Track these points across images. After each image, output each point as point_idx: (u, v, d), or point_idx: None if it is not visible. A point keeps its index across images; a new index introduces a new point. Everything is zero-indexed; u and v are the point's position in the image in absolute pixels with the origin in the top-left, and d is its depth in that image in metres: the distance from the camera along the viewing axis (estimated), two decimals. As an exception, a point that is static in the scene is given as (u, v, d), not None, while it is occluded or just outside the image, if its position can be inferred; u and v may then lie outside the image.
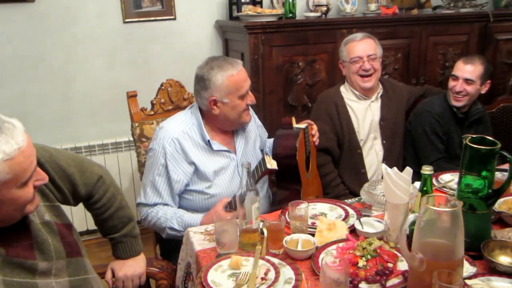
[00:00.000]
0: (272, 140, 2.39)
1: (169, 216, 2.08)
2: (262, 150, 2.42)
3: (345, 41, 2.67)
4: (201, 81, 2.10)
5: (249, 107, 2.20)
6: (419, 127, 2.70)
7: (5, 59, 3.09)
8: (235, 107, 2.11)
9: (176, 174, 2.08)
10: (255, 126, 2.40)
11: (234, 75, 2.09)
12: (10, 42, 3.08)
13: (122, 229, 1.78)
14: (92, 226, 3.21)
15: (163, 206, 2.11)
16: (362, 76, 2.58)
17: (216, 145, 2.15)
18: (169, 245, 2.24)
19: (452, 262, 1.30)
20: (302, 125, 2.24)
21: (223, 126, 2.19)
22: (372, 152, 2.65)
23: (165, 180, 2.10)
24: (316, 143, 2.39)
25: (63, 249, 1.50)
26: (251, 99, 2.15)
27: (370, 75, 2.57)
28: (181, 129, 2.13)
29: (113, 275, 1.82)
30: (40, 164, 1.50)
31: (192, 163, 2.10)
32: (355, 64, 2.57)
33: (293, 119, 2.24)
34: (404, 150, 2.75)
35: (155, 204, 2.11)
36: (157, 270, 1.89)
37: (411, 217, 1.35)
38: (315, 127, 2.37)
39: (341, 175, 2.61)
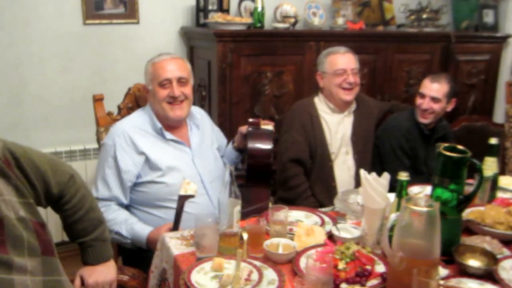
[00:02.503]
0: (229, 147, 2.61)
1: (119, 220, 2.19)
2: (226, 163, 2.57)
3: (326, 52, 2.84)
4: None
5: (199, 109, 2.51)
6: (386, 142, 2.90)
7: None
8: (156, 95, 2.32)
9: (125, 164, 2.23)
10: (210, 129, 2.59)
11: (157, 62, 2.35)
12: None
13: (93, 232, 1.83)
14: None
15: (116, 207, 2.23)
16: (344, 89, 2.75)
17: (168, 135, 2.35)
18: (132, 254, 2.32)
19: (429, 261, 1.47)
20: (270, 127, 2.39)
21: (160, 118, 2.36)
22: (345, 167, 2.83)
23: (115, 172, 2.24)
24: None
25: (39, 247, 1.55)
26: (172, 90, 2.30)
27: (352, 89, 2.76)
28: (131, 123, 2.33)
29: (82, 283, 1.85)
30: (15, 159, 1.58)
31: (142, 153, 2.26)
32: (339, 76, 2.74)
33: (261, 120, 2.41)
34: (372, 165, 2.93)
35: (105, 199, 2.22)
36: (128, 277, 1.96)
37: (393, 216, 1.53)
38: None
39: (312, 187, 2.76)
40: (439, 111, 2.86)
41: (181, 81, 2.33)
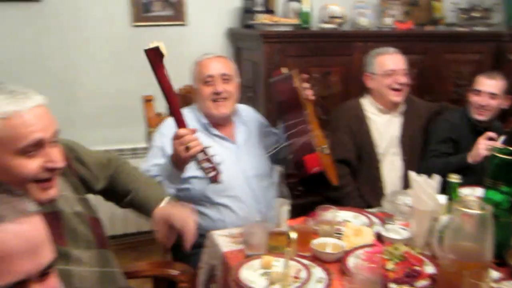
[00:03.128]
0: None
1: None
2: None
3: (374, 53, 2.85)
4: None
5: (248, 107, 2.57)
6: (434, 134, 2.90)
7: (9, 60, 3.23)
8: (200, 92, 2.39)
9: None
10: (258, 128, 2.59)
11: (201, 61, 2.42)
12: (14, 43, 3.24)
13: (141, 176, 1.96)
14: (115, 231, 3.43)
15: None
16: (394, 89, 2.76)
17: (214, 130, 2.41)
18: (182, 251, 2.38)
19: (481, 263, 1.47)
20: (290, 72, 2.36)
21: (206, 116, 2.41)
22: (393, 167, 2.82)
23: (162, 159, 2.25)
24: (311, 98, 2.48)
25: (94, 240, 1.64)
26: (215, 87, 2.35)
27: (401, 90, 2.77)
28: None
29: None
30: (75, 154, 1.69)
31: None
32: (388, 77, 2.76)
33: (282, 69, 2.38)
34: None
35: None
36: (178, 272, 2.01)
37: (444, 218, 1.53)
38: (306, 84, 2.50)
39: (359, 188, 2.77)
40: (496, 107, 2.84)
41: (224, 78, 2.37)
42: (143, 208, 1.87)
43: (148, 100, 2.61)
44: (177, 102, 2.05)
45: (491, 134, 2.55)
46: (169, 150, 2.23)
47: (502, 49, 3.82)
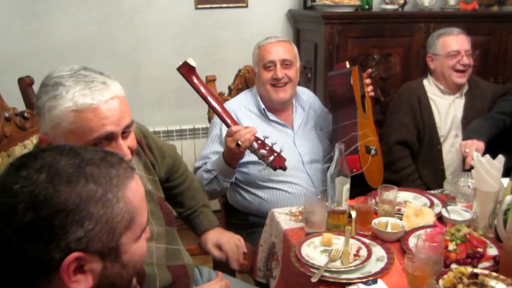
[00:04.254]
0: None
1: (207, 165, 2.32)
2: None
3: (437, 33, 2.81)
4: None
5: (308, 91, 2.61)
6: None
7: (75, 42, 3.36)
8: (260, 77, 2.42)
9: None
10: (317, 111, 2.63)
11: (263, 45, 2.44)
12: (82, 25, 3.35)
13: (202, 199, 2.04)
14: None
15: None
16: (457, 71, 2.73)
17: (271, 116, 2.44)
18: (240, 228, 2.44)
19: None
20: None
21: (263, 99, 2.45)
22: (453, 150, 2.78)
23: (218, 147, 2.35)
24: (371, 94, 2.55)
25: (163, 217, 1.72)
26: (276, 73, 2.37)
27: (465, 71, 2.73)
28: (238, 103, 2.46)
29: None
30: (146, 138, 1.78)
31: None
32: (452, 58, 2.72)
33: (347, 63, 2.43)
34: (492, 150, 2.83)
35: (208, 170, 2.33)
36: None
37: (508, 198, 1.52)
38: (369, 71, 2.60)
39: (418, 170, 2.75)
40: None
41: (285, 64, 2.40)
42: (195, 228, 2.05)
43: (211, 80, 2.66)
44: (219, 106, 2.12)
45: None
46: None
47: None
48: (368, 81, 2.55)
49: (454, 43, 2.73)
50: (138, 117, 1.81)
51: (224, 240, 2.00)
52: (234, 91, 2.71)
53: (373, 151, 2.29)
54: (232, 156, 2.13)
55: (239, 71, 2.74)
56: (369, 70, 2.62)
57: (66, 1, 3.30)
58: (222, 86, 2.74)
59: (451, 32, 2.77)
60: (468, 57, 2.72)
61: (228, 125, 2.08)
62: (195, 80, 2.14)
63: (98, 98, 1.34)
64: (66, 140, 1.34)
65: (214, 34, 3.59)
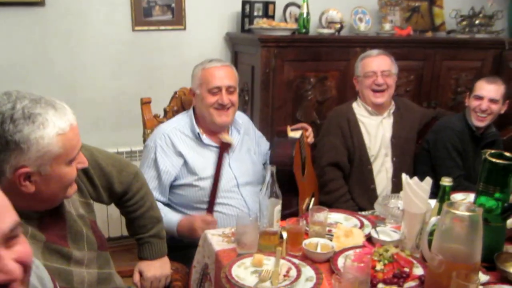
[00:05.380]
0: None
1: None
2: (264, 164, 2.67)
3: (361, 56, 2.94)
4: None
5: (243, 115, 2.64)
6: (439, 144, 2.92)
7: (14, 63, 3.29)
8: (203, 100, 2.42)
9: (164, 165, 2.38)
10: (251, 135, 2.69)
11: (207, 68, 2.44)
12: (17, 46, 3.29)
13: (151, 229, 2.00)
14: (112, 234, 3.56)
15: None
16: (374, 91, 2.83)
17: (206, 140, 2.46)
18: (176, 250, 2.44)
19: (469, 265, 1.50)
20: (297, 134, 2.45)
21: (203, 121, 2.48)
22: (383, 169, 2.89)
23: (154, 172, 2.39)
24: (310, 142, 2.64)
25: (95, 241, 1.70)
26: (222, 98, 2.40)
27: (383, 91, 2.83)
28: (173, 126, 2.47)
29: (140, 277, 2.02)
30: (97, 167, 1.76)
31: (180, 155, 2.40)
32: (368, 78, 2.84)
33: (288, 128, 2.47)
34: (418, 171, 2.95)
35: None
36: (172, 271, 2.09)
37: (432, 220, 1.58)
38: (310, 129, 2.63)
39: (351, 190, 2.83)
40: (496, 113, 2.89)
41: (229, 90, 2.43)
42: (138, 251, 2.05)
43: (146, 102, 2.67)
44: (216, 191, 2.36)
45: None
46: (162, 165, 2.37)
47: (503, 57, 3.85)
48: (310, 140, 2.63)
49: (371, 64, 2.85)
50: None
51: (149, 271, 2.01)
52: (169, 113, 2.71)
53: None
54: (188, 235, 2.28)
55: (175, 93, 2.75)
56: (309, 129, 2.67)
57: (0, 22, 3.24)
58: (158, 108, 2.75)
59: (370, 54, 2.90)
60: (386, 77, 2.83)
61: (210, 211, 2.33)
62: (222, 160, 2.40)
63: (71, 118, 1.44)
64: (51, 165, 1.40)
65: (151, 56, 3.59)
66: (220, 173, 2.34)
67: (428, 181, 1.90)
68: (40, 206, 1.49)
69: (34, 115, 1.35)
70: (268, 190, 1.89)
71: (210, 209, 2.34)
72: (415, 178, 1.90)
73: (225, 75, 2.44)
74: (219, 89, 2.41)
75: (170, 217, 2.34)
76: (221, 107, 2.42)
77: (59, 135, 1.39)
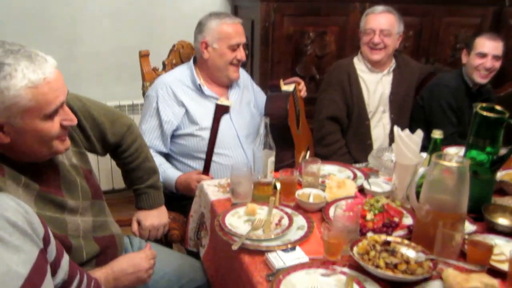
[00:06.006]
0: None
1: None
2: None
3: (366, 11, 2.90)
4: (199, 25, 2.46)
5: (242, 70, 2.58)
6: (434, 102, 2.90)
7: (12, 17, 3.23)
8: (223, 56, 2.41)
9: (166, 115, 2.38)
10: (249, 89, 2.69)
11: (228, 24, 2.42)
12: (17, 0, 3.22)
13: (147, 180, 2.00)
14: (117, 185, 3.59)
15: (154, 153, 2.35)
16: (371, 48, 2.80)
17: (207, 91, 2.46)
18: (174, 200, 2.45)
19: (456, 215, 1.51)
20: (290, 88, 2.43)
21: (212, 74, 2.48)
22: (380, 124, 2.88)
23: (156, 121, 2.39)
24: (303, 95, 2.62)
25: (89, 191, 1.70)
26: (241, 55, 2.43)
27: (379, 49, 2.79)
28: (173, 76, 2.47)
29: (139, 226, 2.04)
30: (73, 113, 1.69)
31: (182, 104, 2.40)
32: (367, 35, 2.80)
33: (281, 81, 2.45)
34: (414, 126, 2.93)
35: None
36: (169, 220, 2.11)
37: (421, 170, 1.58)
38: (302, 83, 2.61)
39: (348, 145, 2.83)
40: (497, 69, 2.86)
41: (243, 46, 2.46)
42: (135, 201, 2.07)
43: (144, 55, 2.64)
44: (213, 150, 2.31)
45: None
46: (163, 114, 2.36)
47: (503, 14, 3.78)
48: (303, 94, 2.61)
49: (371, 22, 2.80)
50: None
51: (147, 220, 2.03)
52: (168, 66, 2.69)
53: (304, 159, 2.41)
54: (186, 191, 2.29)
55: (174, 46, 2.72)
56: (302, 83, 2.64)
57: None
58: (157, 61, 2.72)
59: (374, 10, 2.85)
60: (385, 36, 2.78)
61: (206, 169, 2.29)
62: (219, 123, 2.29)
63: (47, 71, 1.35)
64: (22, 118, 1.33)
65: (151, 9, 3.53)
66: (218, 130, 2.30)
67: (419, 133, 1.90)
68: (26, 158, 1.46)
69: (3, 64, 1.29)
70: (262, 141, 1.89)
71: (207, 165, 2.32)
72: (407, 130, 1.89)
73: (242, 32, 2.45)
74: (238, 45, 2.42)
75: (169, 174, 2.35)
76: (238, 62, 2.44)
77: (28, 88, 1.31)
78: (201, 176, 2.26)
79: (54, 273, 1.25)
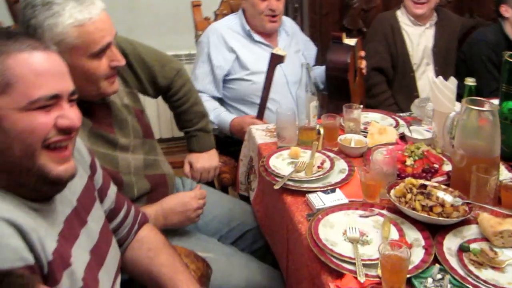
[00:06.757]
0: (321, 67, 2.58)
1: (208, 108, 2.32)
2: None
3: None
4: None
5: (289, 19, 2.58)
6: (475, 57, 2.79)
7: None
8: (255, 5, 2.40)
9: (217, 60, 2.39)
10: (298, 37, 2.66)
11: None
12: None
13: (197, 123, 2.03)
14: (164, 134, 3.63)
15: (208, 97, 2.40)
16: (415, 2, 2.72)
17: (257, 37, 2.46)
18: (226, 145, 2.48)
19: (489, 159, 1.47)
20: (352, 42, 2.35)
21: (253, 24, 2.46)
22: (425, 77, 2.80)
23: (208, 66, 2.41)
24: (364, 72, 2.54)
25: (140, 129, 1.73)
26: (270, 4, 2.38)
27: (422, 3, 2.71)
28: (224, 24, 2.48)
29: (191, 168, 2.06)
30: (124, 55, 1.71)
31: (232, 50, 2.41)
32: None
33: (344, 35, 2.38)
34: (459, 80, 2.86)
35: (199, 91, 2.34)
36: (220, 163, 2.13)
37: (451, 115, 1.54)
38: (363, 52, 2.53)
39: (394, 96, 2.78)
40: None
41: None
42: (187, 144, 2.09)
43: (196, 5, 2.65)
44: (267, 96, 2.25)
45: None
46: (215, 59, 2.37)
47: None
48: (362, 53, 2.52)
49: None
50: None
51: (198, 162, 2.05)
52: (220, 16, 2.70)
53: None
54: (240, 135, 2.24)
55: (221, -3, 2.72)
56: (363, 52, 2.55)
57: None
58: (209, 10, 2.72)
59: None
60: None
61: (260, 114, 2.26)
62: (274, 72, 2.19)
63: (94, 12, 1.38)
64: (70, 55, 1.35)
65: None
66: (273, 79, 2.25)
67: (453, 80, 1.85)
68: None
69: (52, 3, 1.33)
70: (304, 86, 1.88)
71: (261, 111, 2.30)
72: (440, 77, 1.85)
73: None
74: None
75: (223, 117, 2.37)
76: (271, 12, 2.40)
77: (74, 27, 1.34)
78: (254, 121, 2.25)
79: (101, 201, 1.31)
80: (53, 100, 0.99)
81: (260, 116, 2.27)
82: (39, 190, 1.02)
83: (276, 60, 2.14)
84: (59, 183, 1.04)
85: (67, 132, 1.02)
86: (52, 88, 0.99)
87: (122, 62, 1.50)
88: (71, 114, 1.02)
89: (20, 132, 0.95)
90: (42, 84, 0.97)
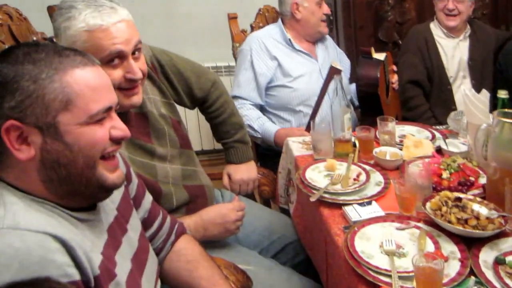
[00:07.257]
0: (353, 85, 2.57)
1: (252, 117, 2.35)
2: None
3: None
4: None
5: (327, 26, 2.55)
6: (510, 68, 2.73)
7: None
8: (315, 13, 2.44)
9: (259, 67, 2.40)
10: (334, 50, 2.68)
11: None
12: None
13: (234, 134, 2.01)
14: (206, 146, 3.61)
15: (251, 106, 2.40)
16: (446, 14, 2.68)
17: (297, 46, 2.48)
18: (268, 158, 2.50)
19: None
20: (381, 57, 2.35)
21: (305, 31, 2.49)
22: (461, 90, 2.73)
23: (251, 74, 2.41)
24: (395, 87, 2.52)
25: (177, 140, 1.73)
26: (326, 9, 2.45)
27: (454, 15, 2.66)
28: (265, 32, 2.50)
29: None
30: (160, 66, 1.73)
31: (274, 58, 2.42)
32: (441, 1, 2.69)
33: (372, 49, 2.38)
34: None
35: (242, 98, 2.40)
36: (260, 176, 2.11)
37: (483, 126, 1.51)
38: (394, 66, 2.52)
39: (432, 109, 2.74)
40: None
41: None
42: (225, 155, 2.06)
43: (232, 18, 2.67)
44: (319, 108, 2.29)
45: None
46: (257, 67, 2.39)
47: None
48: (394, 67, 2.50)
49: None
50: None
51: (236, 174, 2.02)
52: (255, 28, 2.71)
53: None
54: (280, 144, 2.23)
55: (259, 10, 2.74)
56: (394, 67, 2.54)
57: None
58: (246, 23, 2.73)
59: None
60: (458, 3, 2.65)
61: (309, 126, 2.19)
62: (329, 83, 2.26)
63: (107, 20, 1.37)
64: None
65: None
66: (326, 91, 2.28)
67: (485, 93, 1.82)
68: None
69: (71, 7, 1.37)
70: (338, 99, 1.87)
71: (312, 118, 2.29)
72: (472, 90, 1.84)
73: None
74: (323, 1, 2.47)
75: (268, 127, 2.37)
76: (326, 17, 2.49)
77: (85, 31, 1.36)
78: (303, 132, 2.24)
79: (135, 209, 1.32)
80: (106, 113, 1.02)
81: (309, 128, 2.23)
82: (94, 197, 1.06)
83: (334, 72, 2.12)
84: (112, 190, 1.07)
85: (119, 142, 1.06)
86: (106, 101, 1.02)
87: (137, 75, 1.45)
88: (121, 125, 1.06)
89: (84, 146, 0.99)
90: (98, 98, 1.00)
